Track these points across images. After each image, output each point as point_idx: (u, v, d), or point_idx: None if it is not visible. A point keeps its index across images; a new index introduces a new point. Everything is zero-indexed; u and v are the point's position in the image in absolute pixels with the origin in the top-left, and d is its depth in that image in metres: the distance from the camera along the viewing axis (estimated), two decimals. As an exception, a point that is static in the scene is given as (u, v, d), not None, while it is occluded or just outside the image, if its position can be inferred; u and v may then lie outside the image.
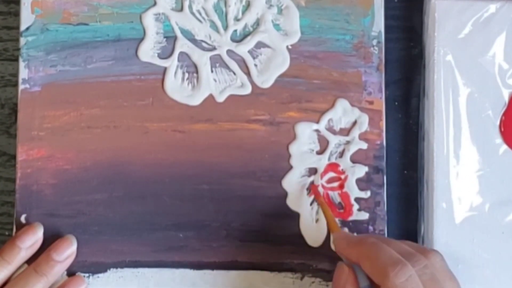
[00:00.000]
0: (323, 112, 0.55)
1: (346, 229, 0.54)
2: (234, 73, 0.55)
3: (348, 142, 0.55)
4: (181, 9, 0.55)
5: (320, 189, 0.54)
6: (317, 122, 0.55)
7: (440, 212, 0.54)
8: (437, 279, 0.46)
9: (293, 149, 0.55)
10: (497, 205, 0.54)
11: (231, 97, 0.55)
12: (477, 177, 0.54)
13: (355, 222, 0.54)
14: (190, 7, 0.55)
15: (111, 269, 0.54)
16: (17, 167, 0.54)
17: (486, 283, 0.54)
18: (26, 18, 0.55)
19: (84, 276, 0.53)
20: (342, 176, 0.55)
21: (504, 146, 0.55)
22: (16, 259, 0.51)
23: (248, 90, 0.55)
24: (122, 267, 0.54)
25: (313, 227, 0.54)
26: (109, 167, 0.54)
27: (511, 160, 0.54)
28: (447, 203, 0.54)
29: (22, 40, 0.55)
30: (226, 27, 0.55)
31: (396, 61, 0.56)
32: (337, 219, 0.54)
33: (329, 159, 0.55)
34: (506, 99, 0.55)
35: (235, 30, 0.55)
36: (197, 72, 0.55)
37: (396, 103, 0.56)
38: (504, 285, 0.54)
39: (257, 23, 0.55)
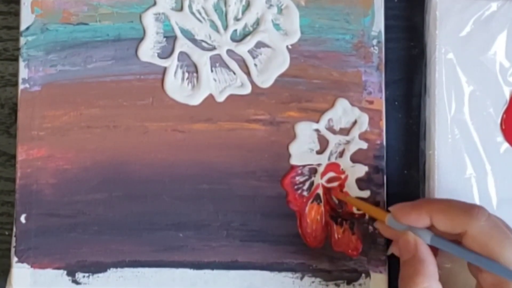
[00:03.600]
0: (323, 112, 0.54)
1: (344, 229, 0.54)
2: (234, 73, 0.55)
3: (348, 142, 0.55)
4: (181, 9, 0.55)
5: (320, 189, 0.54)
6: (317, 121, 0.55)
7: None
8: (501, 221, 0.48)
9: (293, 148, 0.54)
10: (498, 203, 0.54)
11: (231, 96, 0.55)
12: (478, 175, 0.54)
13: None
14: (190, 6, 0.55)
15: (111, 269, 0.54)
16: (17, 167, 0.54)
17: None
18: (26, 18, 0.55)
19: (84, 276, 0.53)
20: (342, 176, 0.54)
21: (506, 144, 0.55)
22: None
23: (248, 90, 0.55)
24: (122, 267, 0.54)
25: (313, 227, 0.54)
26: (109, 167, 0.54)
27: (512, 158, 0.55)
28: (448, 202, 0.54)
29: (22, 40, 0.54)
30: (226, 27, 0.55)
31: (396, 61, 0.56)
32: (336, 219, 0.54)
33: (329, 158, 0.55)
34: (508, 97, 0.55)
35: (235, 30, 0.55)
36: (197, 72, 0.55)
37: (396, 103, 0.56)
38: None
39: (257, 23, 0.55)
